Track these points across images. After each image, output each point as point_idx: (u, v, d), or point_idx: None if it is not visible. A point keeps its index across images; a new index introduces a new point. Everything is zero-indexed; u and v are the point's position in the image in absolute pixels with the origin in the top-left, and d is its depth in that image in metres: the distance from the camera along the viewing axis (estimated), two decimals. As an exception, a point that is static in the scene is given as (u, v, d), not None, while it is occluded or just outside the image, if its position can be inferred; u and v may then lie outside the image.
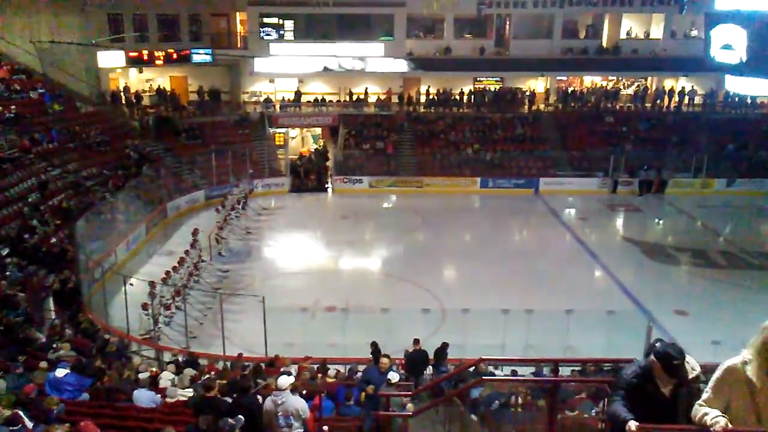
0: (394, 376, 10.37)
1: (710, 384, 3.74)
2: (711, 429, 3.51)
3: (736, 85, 29.56)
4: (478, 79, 36.74)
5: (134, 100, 32.86)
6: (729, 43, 24.10)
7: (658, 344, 4.14)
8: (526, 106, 35.68)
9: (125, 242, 21.99)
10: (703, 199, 30.40)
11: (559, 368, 11.67)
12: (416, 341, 13.47)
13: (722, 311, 18.32)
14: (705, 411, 3.63)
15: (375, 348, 13.72)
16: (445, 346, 13.65)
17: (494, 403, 10.40)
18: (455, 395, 9.81)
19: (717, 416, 3.53)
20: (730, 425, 3.50)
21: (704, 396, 3.75)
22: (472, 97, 35.74)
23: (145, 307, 16.01)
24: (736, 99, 35.57)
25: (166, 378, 11.77)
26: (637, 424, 3.85)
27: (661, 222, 29.39)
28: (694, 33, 34.80)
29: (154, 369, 12.73)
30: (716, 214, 29.17)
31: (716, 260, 23.38)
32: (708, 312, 18.30)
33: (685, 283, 22.14)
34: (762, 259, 23.34)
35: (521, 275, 21.07)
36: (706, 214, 28.88)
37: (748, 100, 35.16)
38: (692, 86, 36.03)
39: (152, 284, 16.44)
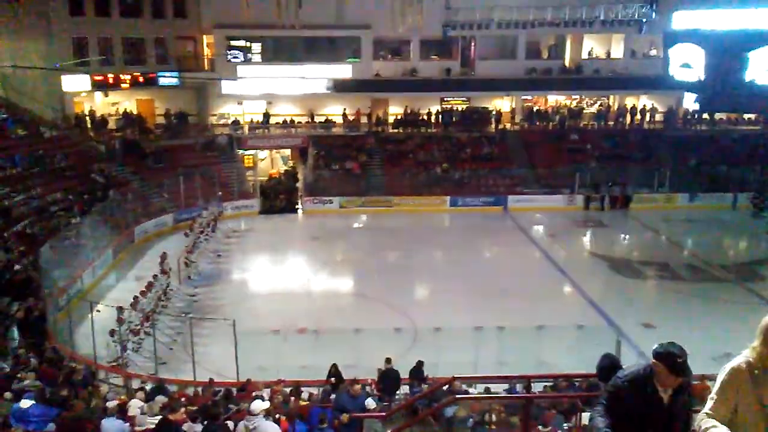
0: (370, 403, 10.33)
1: (715, 389, 3.39)
2: None
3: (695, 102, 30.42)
4: (445, 99, 37.20)
5: (100, 124, 32.47)
6: (687, 62, 24.88)
7: (656, 345, 3.79)
8: (493, 125, 36.20)
9: (92, 268, 21.60)
10: (667, 214, 31.08)
11: (532, 384, 11.82)
12: (388, 360, 13.50)
13: (688, 323, 18.66)
14: (712, 425, 3.30)
15: (335, 370, 13.61)
16: (420, 364, 13.69)
17: (468, 421, 10.44)
18: (429, 414, 9.83)
19: None
20: None
21: (709, 404, 3.39)
22: (440, 117, 36.16)
23: (112, 333, 15.72)
24: (695, 116, 36.64)
25: (135, 406, 11.51)
26: None
27: (626, 237, 29.88)
28: (654, 52, 35.82)
29: (122, 397, 12.47)
30: (680, 228, 29.85)
31: (681, 273, 23.88)
32: (674, 324, 18.55)
33: (652, 297, 22.54)
34: (724, 272, 23.92)
35: (492, 292, 21.18)
36: (670, 229, 29.53)
37: (706, 116, 36.30)
38: (653, 104, 36.98)
39: (120, 310, 16.16)
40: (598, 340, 15.48)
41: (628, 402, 3.82)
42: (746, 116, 36.32)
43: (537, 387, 12.00)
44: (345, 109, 35.68)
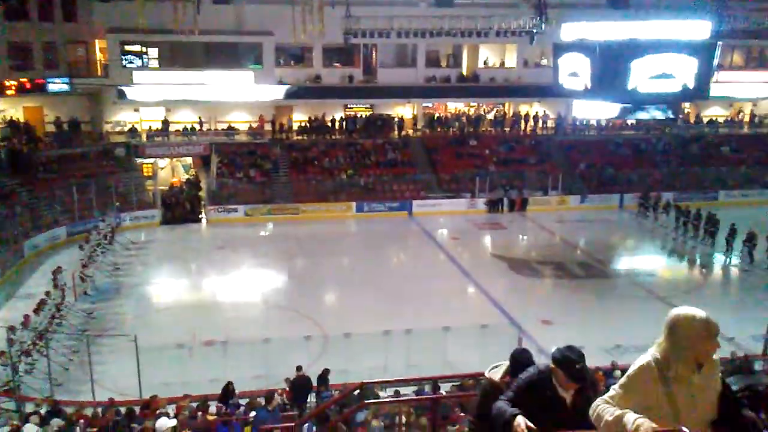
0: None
1: (622, 381, 3.32)
2: None
3: (582, 110, 32.32)
4: (349, 106, 37.50)
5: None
6: (575, 71, 26.37)
7: (554, 349, 3.78)
8: (396, 132, 36.85)
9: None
10: (560, 215, 32.76)
11: (440, 385, 12.20)
12: (299, 368, 13.53)
13: (582, 318, 19.84)
14: (616, 413, 3.18)
15: (227, 387, 13.33)
16: (326, 371, 13.80)
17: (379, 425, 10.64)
18: (341, 421, 9.95)
19: (638, 418, 3.06)
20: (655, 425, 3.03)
21: (611, 393, 3.31)
22: (344, 123, 36.41)
23: (2, 355, 14.81)
24: (584, 122, 38.86)
25: (29, 431, 10.99)
26: (525, 419, 3.53)
27: (524, 238, 31.23)
28: (545, 62, 37.67)
29: (15, 422, 11.82)
30: (572, 228, 31.52)
31: (575, 271, 25.28)
32: (570, 319, 19.68)
33: (549, 294, 23.72)
34: (614, 268, 25.54)
35: (400, 296, 21.61)
36: (563, 229, 31.14)
37: (594, 123, 38.62)
38: (545, 111, 38.89)
39: (11, 330, 15.26)
40: (500, 338, 16.17)
41: (530, 404, 3.77)
42: (629, 121, 38.92)
43: (445, 387, 12.40)
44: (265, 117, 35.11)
